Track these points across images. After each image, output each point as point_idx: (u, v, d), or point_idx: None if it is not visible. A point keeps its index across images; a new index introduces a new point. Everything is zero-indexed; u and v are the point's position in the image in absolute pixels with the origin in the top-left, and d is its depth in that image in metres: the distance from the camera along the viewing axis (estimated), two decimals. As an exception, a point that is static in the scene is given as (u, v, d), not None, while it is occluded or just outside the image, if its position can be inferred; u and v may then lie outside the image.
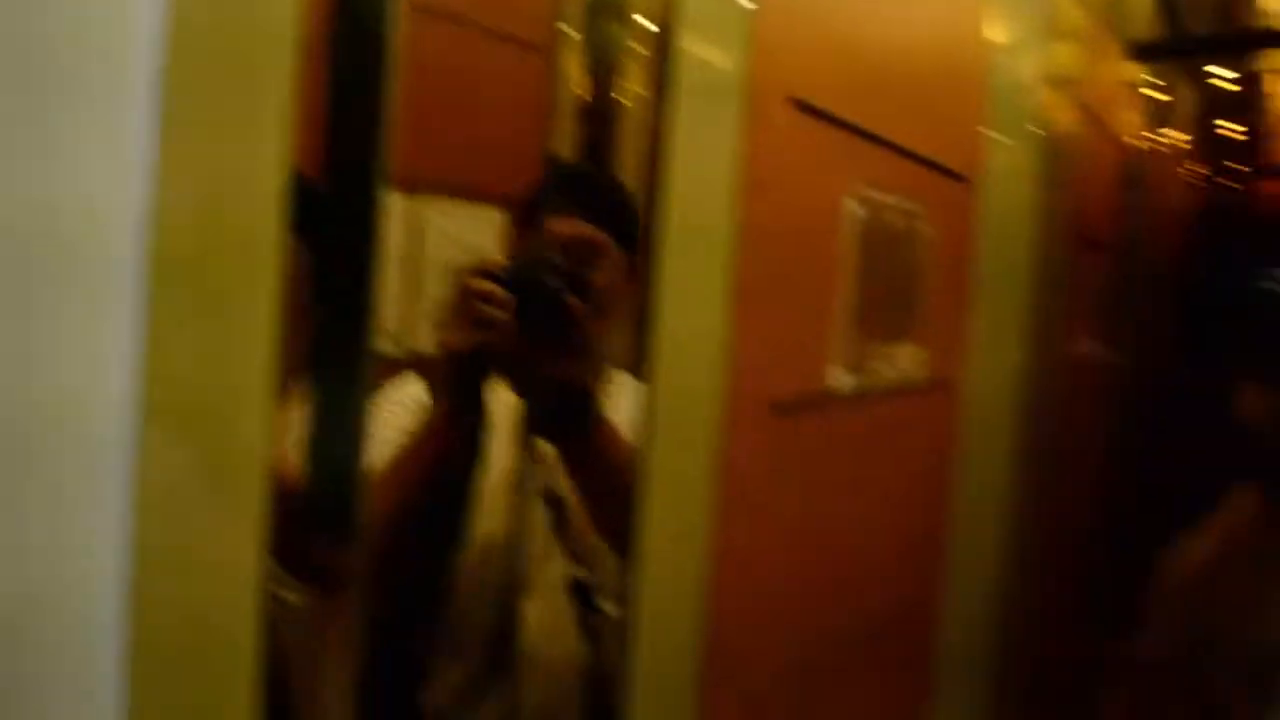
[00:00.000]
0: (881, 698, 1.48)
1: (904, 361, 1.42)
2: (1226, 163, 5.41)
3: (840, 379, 1.20)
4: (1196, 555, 1.16)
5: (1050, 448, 2.30)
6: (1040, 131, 1.93)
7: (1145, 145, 3.32)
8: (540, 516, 1.08)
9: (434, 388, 1.02)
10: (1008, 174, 1.82)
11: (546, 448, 1.06)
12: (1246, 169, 5.47)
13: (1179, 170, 4.34)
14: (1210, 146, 5.27)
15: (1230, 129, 5.55)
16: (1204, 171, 5.13)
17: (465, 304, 0.95)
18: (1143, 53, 2.89)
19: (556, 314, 0.95)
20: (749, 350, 0.97)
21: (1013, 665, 2.26)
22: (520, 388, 1.04)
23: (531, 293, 0.94)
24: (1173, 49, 3.21)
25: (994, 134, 1.74)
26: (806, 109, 1.05)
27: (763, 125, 0.96)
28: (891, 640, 1.47)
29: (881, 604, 1.43)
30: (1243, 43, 3.98)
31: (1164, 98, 3.50)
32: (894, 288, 1.38)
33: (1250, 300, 0.94)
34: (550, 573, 1.09)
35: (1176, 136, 4.06)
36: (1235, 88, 4.68)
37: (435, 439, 1.00)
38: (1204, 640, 1.18)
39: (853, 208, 1.18)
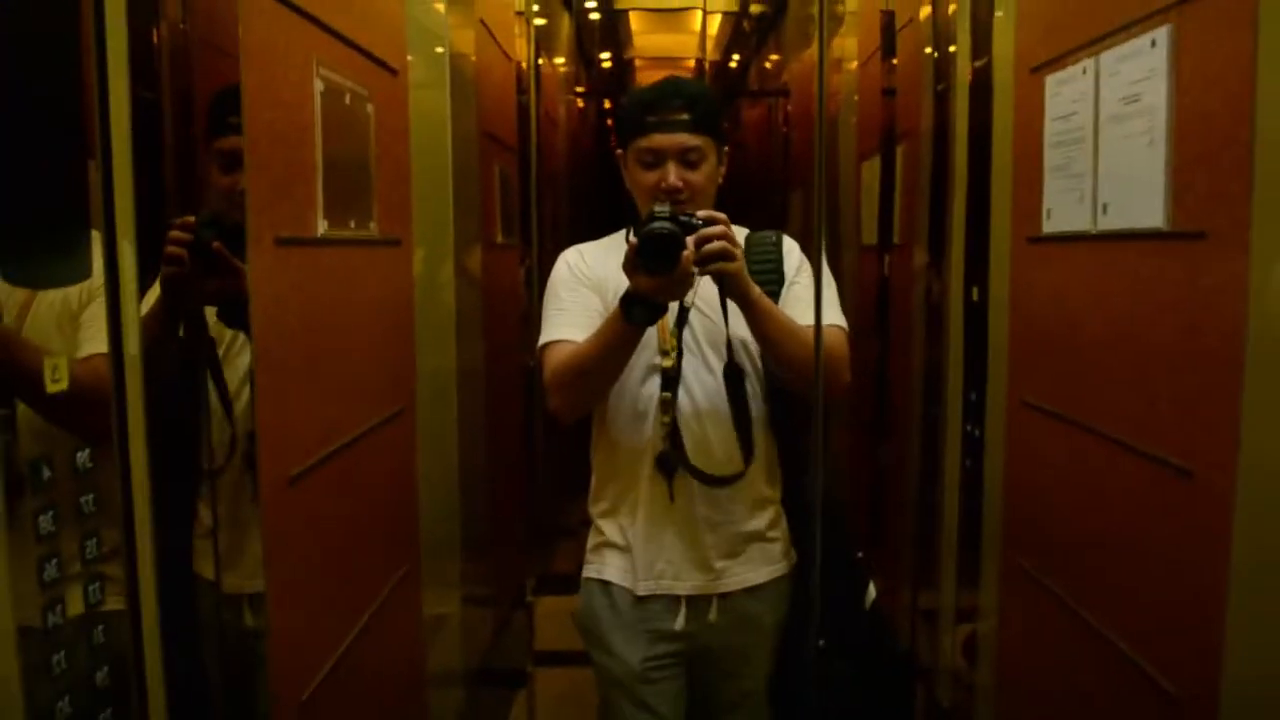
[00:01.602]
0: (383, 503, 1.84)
1: (364, 220, 1.75)
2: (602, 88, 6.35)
3: (323, 227, 1.49)
4: None
5: (485, 309, 2.79)
6: (446, 42, 2.33)
7: (533, 66, 3.90)
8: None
9: None
10: (425, 74, 2.20)
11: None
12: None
13: (564, 90, 5.08)
14: (588, 71, 6.16)
15: (603, 57, 6.50)
16: (583, 94, 6.00)
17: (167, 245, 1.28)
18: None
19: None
20: (261, 197, 1.25)
21: (472, 516, 2.74)
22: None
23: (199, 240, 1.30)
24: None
25: (412, 37, 2.10)
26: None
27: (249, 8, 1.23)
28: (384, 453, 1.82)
29: (377, 416, 1.77)
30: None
31: (542, 21, 4.12)
32: (352, 157, 1.69)
33: (641, 235, 1.54)
34: None
35: (557, 61, 4.76)
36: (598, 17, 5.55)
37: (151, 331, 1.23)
38: None
39: (318, 84, 1.47)
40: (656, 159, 1.74)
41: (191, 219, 1.29)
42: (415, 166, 2.13)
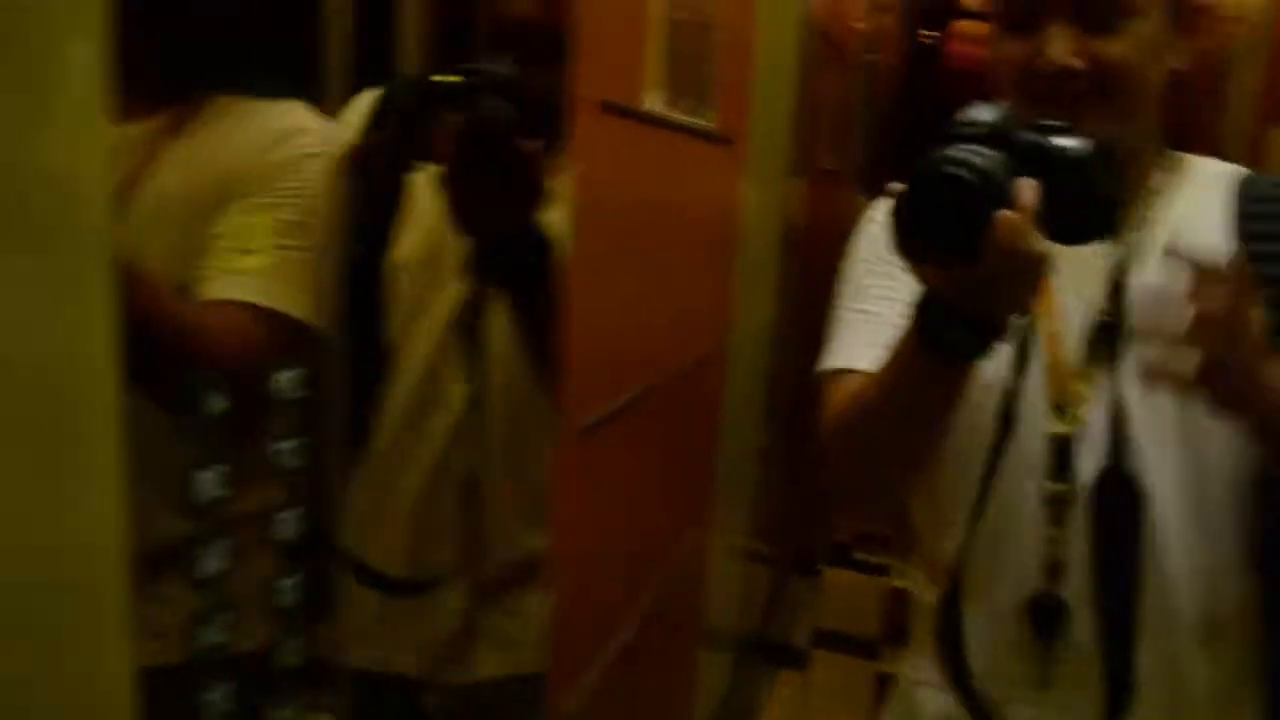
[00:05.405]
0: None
1: (698, 105, 1.41)
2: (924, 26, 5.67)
3: (654, 102, 1.16)
4: None
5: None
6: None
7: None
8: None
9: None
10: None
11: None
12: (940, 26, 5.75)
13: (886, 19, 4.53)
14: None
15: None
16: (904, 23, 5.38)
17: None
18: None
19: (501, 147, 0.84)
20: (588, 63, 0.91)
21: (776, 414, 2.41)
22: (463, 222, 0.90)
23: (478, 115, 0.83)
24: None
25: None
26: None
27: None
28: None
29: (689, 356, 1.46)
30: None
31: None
32: (697, 53, 1.34)
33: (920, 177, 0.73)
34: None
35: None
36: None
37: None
38: None
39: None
40: (1030, 19, 0.87)
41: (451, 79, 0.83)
42: (758, 60, 1.77)
